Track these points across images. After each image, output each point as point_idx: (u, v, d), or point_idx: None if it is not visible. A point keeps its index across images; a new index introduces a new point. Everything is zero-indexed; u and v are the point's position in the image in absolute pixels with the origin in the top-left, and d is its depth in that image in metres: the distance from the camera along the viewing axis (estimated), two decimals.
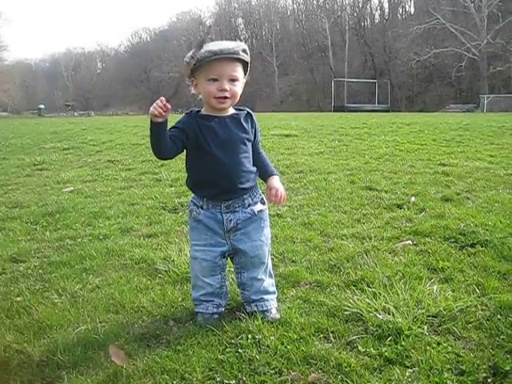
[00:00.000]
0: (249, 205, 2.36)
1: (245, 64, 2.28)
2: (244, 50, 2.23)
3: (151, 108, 2.09)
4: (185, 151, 2.33)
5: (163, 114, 2.08)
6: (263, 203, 2.43)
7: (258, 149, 2.45)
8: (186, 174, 2.42)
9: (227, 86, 2.21)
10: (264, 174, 2.43)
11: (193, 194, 2.42)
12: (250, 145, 2.36)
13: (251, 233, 2.37)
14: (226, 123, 2.29)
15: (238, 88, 2.27)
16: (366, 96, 50.14)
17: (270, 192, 2.36)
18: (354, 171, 6.66)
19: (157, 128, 2.15)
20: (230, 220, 2.33)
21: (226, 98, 2.23)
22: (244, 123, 2.34)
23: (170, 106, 2.08)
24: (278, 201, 2.34)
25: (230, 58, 2.19)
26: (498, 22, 42.59)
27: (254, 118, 2.40)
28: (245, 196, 2.35)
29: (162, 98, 2.08)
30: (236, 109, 2.37)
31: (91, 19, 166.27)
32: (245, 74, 2.31)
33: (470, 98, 42.05)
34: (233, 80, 2.23)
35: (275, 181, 2.39)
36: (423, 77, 49.79)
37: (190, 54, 2.10)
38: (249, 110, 2.40)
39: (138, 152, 9.31)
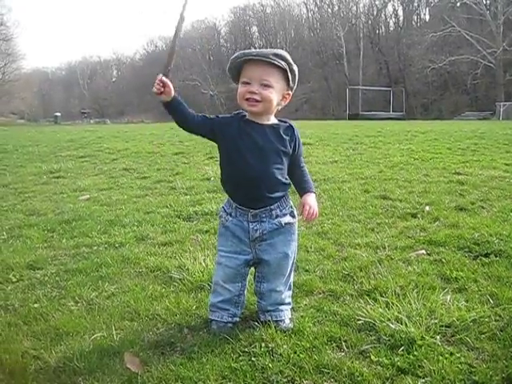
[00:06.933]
0: (276, 216, 2.34)
1: (285, 72, 2.24)
2: (276, 55, 2.20)
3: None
4: (218, 151, 2.38)
5: (162, 89, 2.20)
6: (293, 216, 2.40)
7: (300, 162, 2.43)
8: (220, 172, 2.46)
9: (257, 89, 2.21)
10: (301, 189, 2.41)
11: (225, 201, 2.45)
12: (286, 157, 2.34)
13: (277, 244, 2.36)
14: (264, 131, 2.29)
15: (272, 94, 2.23)
16: (380, 104, 49.86)
17: (304, 208, 2.33)
18: (368, 180, 6.65)
19: (166, 107, 2.27)
20: (256, 230, 2.33)
21: (256, 100, 2.22)
22: (283, 135, 2.32)
23: (167, 81, 2.19)
24: (309, 218, 2.32)
25: (261, 61, 2.18)
26: None
27: (296, 131, 2.37)
28: (272, 207, 2.33)
29: (158, 76, 2.19)
30: (279, 120, 2.37)
31: (107, 28, 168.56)
32: (288, 84, 2.29)
33: (486, 105, 41.64)
34: (265, 85, 2.21)
35: (311, 198, 2.36)
36: (438, 84, 49.49)
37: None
38: (291, 123, 2.38)
39: (153, 160, 9.39)
